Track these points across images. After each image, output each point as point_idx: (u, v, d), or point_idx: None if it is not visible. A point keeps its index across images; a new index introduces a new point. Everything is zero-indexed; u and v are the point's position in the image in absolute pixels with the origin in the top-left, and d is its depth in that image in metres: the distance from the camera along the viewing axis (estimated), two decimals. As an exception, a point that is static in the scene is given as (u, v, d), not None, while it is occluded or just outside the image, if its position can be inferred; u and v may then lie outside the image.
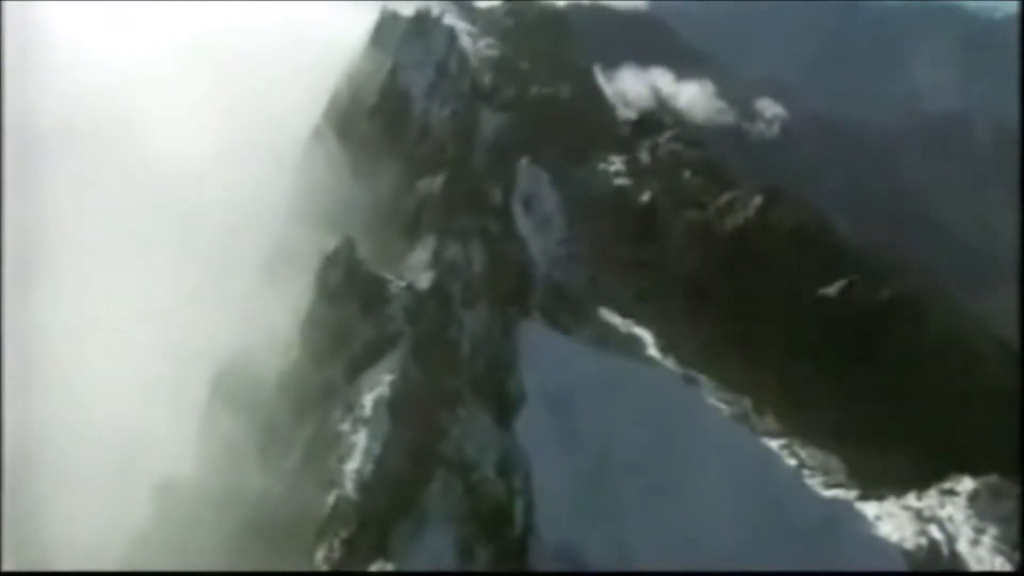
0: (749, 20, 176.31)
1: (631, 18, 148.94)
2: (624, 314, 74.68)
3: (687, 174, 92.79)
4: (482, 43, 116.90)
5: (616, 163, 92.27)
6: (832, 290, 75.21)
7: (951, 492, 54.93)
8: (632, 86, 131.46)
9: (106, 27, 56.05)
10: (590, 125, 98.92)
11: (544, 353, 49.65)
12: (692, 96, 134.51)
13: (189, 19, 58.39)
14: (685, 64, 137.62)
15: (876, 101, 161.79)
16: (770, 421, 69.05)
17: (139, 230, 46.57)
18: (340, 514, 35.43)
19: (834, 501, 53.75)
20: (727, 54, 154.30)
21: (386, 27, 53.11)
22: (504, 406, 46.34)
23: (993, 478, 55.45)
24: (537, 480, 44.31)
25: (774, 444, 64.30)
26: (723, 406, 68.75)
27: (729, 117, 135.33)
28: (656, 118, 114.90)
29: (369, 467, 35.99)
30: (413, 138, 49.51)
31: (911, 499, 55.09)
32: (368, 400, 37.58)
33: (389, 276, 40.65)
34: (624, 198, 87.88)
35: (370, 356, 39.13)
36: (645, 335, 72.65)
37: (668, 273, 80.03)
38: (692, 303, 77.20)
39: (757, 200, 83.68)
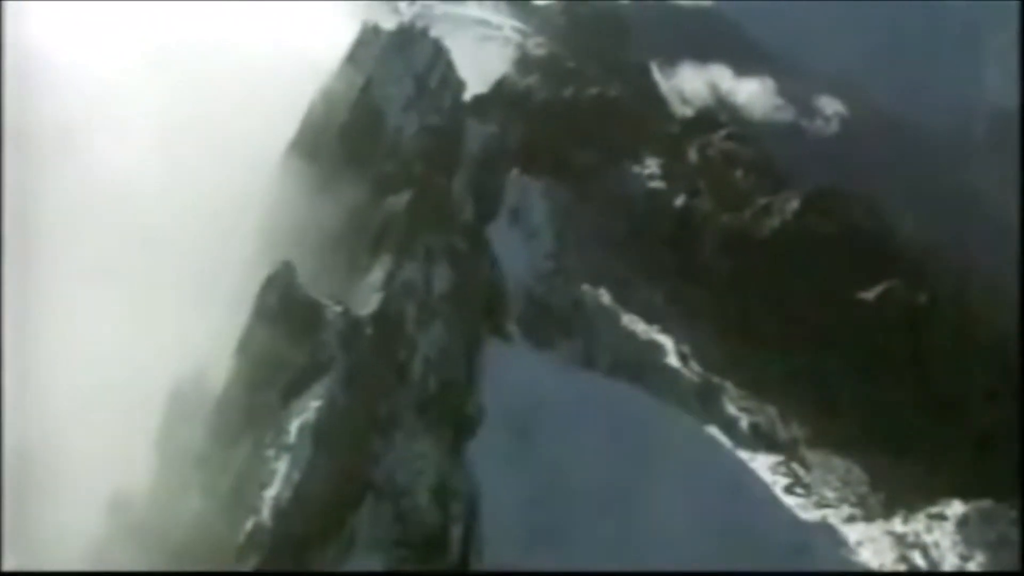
0: (815, 17, 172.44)
1: (694, 15, 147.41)
2: (649, 321, 74.10)
3: (739, 173, 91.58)
4: (532, 42, 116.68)
5: (652, 166, 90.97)
6: (871, 294, 73.64)
7: (940, 517, 53.63)
8: (690, 83, 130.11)
9: (70, 36, 56.47)
10: (637, 125, 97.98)
11: (511, 373, 49.51)
12: (751, 93, 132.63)
13: (161, 30, 58.61)
14: (746, 61, 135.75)
15: (941, 97, 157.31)
16: (795, 429, 68.26)
17: (101, 245, 47.19)
18: (254, 541, 35.55)
19: (813, 525, 52.41)
20: (791, 51, 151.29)
21: (366, 41, 53.02)
22: (459, 429, 46.17)
23: (986, 502, 53.90)
24: (487, 504, 44.06)
25: (781, 456, 63.02)
26: (742, 415, 67.91)
27: (787, 114, 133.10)
28: (711, 116, 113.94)
29: (287, 494, 36.09)
30: (383, 156, 49.27)
31: (896, 524, 53.64)
32: (293, 426, 37.61)
33: (326, 301, 40.57)
34: (658, 201, 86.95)
35: (304, 382, 39.17)
36: (667, 342, 72.00)
37: (701, 278, 79.15)
38: (725, 308, 76.45)
39: (795, 203, 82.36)
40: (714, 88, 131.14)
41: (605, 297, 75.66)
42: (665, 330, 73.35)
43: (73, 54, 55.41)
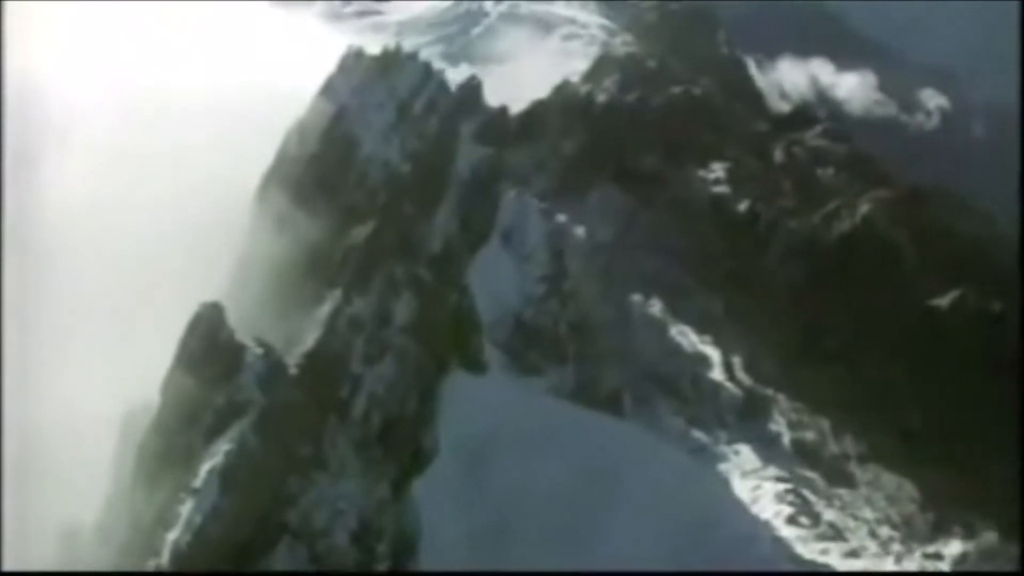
0: (921, 6, 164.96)
1: (797, 6, 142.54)
2: (702, 331, 72.89)
3: (829, 171, 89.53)
4: (618, 40, 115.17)
5: (718, 170, 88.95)
6: (944, 301, 70.94)
7: (936, 556, 51.23)
8: (790, 77, 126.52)
9: (48, 66, 57.72)
10: (720, 123, 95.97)
11: (473, 405, 49.06)
12: (851, 87, 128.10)
13: (144, 61, 59.48)
14: (849, 53, 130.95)
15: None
16: (848, 444, 66.52)
17: (67, 274, 48.51)
18: (154, 584, 36.23)
19: (798, 562, 50.54)
20: (895, 42, 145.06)
21: (347, 69, 53.08)
22: (408, 464, 46.10)
23: (990, 537, 51.49)
24: (430, 541, 43.93)
25: (813, 475, 60.92)
26: (787, 431, 66.38)
27: (888, 109, 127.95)
28: (807, 112, 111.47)
29: (187, 538, 36.66)
30: (352, 186, 49.37)
31: (889, 563, 51.52)
32: (203, 470, 38.16)
33: (249, 343, 40.95)
34: (722, 206, 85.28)
35: (223, 424, 39.69)
36: (714, 354, 70.74)
37: (764, 286, 77.43)
38: (787, 317, 74.69)
39: (865, 207, 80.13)
40: (814, 82, 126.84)
41: (655, 307, 74.40)
42: (717, 341, 71.73)
43: (48, 83, 56.55)
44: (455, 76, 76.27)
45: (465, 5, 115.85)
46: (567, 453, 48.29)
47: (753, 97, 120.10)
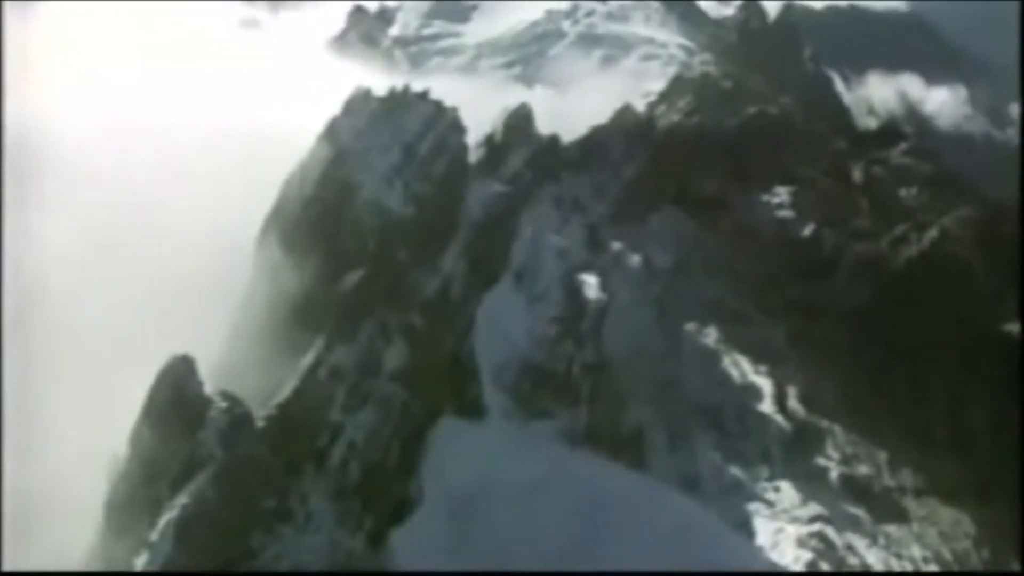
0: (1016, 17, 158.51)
1: (889, 19, 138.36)
2: (759, 360, 71.51)
3: (913, 190, 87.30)
4: (697, 60, 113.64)
5: (782, 193, 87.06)
6: (1016, 327, 68.75)
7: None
8: (879, 92, 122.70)
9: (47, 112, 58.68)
10: (797, 144, 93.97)
11: (464, 452, 48.60)
12: (941, 101, 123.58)
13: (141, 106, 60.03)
14: (940, 67, 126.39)
15: None
16: (905, 477, 64.70)
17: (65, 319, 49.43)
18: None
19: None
20: (988, 54, 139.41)
21: (353, 110, 53.11)
22: (390, 514, 45.87)
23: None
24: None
25: (858, 511, 59.65)
26: (837, 465, 64.79)
27: (977, 123, 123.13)
28: (890, 130, 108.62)
29: (140, 590, 36.94)
30: (348, 231, 49.38)
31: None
32: (161, 523, 38.57)
33: (214, 397, 41.23)
34: (786, 231, 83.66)
35: (185, 478, 40.06)
36: (765, 385, 69.29)
37: (828, 313, 75.71)
38: (851, 346, 73.02)
39: (933, 233, 78.08)
40: (903, 97, 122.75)
41: (710, 337, 73.20)
42: (773, 372, 70.19)
43: (46, 125, 57.52)
44: (530, 97, 76.07)
45: (542, 26, 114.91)
46: (559, 501, 47.29)
47: (838, 114, 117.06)
